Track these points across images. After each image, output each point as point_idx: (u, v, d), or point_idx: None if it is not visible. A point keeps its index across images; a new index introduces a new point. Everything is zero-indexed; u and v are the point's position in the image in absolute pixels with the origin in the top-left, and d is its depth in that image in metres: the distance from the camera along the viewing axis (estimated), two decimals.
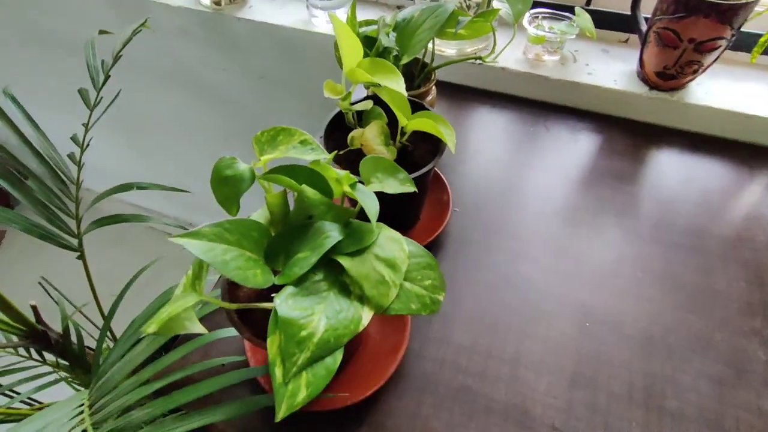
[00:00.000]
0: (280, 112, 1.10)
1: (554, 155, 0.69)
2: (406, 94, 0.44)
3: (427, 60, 0.60)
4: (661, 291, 0.53)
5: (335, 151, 0.44)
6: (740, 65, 0.75)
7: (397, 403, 0.45)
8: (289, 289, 0.31)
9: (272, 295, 0.31)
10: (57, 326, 0.62)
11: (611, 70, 0.75)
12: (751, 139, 0.70)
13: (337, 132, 0.52)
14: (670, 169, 0.67)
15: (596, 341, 0.49)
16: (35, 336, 0.57)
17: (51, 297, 0.72)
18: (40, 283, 0.77)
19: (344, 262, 0.31)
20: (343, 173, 0.35)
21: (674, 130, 0.72)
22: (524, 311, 0.51)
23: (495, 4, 0.55)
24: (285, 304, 0.30)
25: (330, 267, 0.33)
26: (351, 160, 0.51)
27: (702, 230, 0.59)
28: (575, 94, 0.74)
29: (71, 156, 0.69)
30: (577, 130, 0.73)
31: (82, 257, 0.67)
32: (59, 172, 0.67)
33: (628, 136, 0.72)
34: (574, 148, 0.70)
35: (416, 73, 0.61)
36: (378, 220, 0.59)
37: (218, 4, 0.88)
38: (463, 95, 0.79)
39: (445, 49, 0.78)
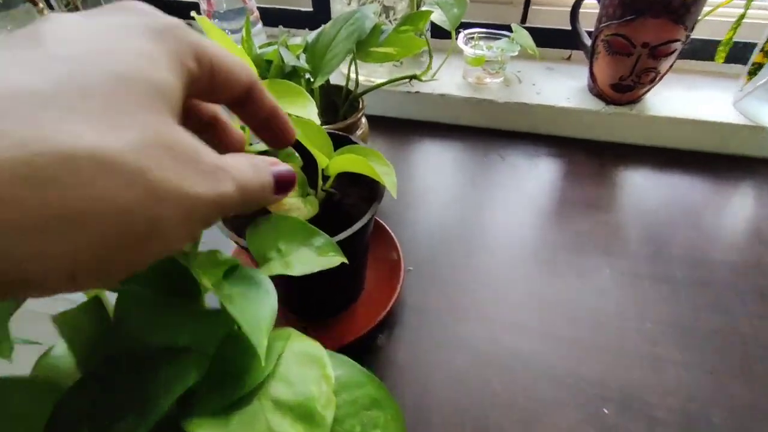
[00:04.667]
0: None
1: (515, 187, 0.58)
2: (318, 120, 0.31)
3: (352, 87, 0.48)
4: (679, 347, 0.41)
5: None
6: (693, 73, 0.70)
7: None
8: None
9: None
10: None
11: (561, 88, 0.67)
12: (727, 149, 0.63)
13: None
14: (647, 191, 0.58)
15: None
16: None
17: None
18: None
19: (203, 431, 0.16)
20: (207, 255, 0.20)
21: (641, 147, 0.64)
22: (518, 403, 0.37)
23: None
24: None
25: None
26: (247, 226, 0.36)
27: (702, 258, 0.49)
28: (527, 118, 0.65)
29: None
30: (535, 156, 0.63)
31: None
32: None
33: (593, 157, 0.63)
34: (536, 176, 0.60)
35: (340, 103, 0.49)
36: (301, 304, 0.44)
37: None
38: (401, 129, 0.68)
39: (375, 78, 0.67)
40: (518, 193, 0.58)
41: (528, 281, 0.47)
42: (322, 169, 0.36)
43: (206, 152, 0.15)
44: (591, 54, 0.62)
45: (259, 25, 0.70)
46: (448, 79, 0.69)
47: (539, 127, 0.66)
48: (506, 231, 0.53)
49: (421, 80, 0.44)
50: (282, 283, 0.29)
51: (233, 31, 0.66)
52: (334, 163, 0.35)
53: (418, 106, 0.68)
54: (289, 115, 0.31)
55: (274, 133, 0.21)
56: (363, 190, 0.39)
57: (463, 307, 0.45)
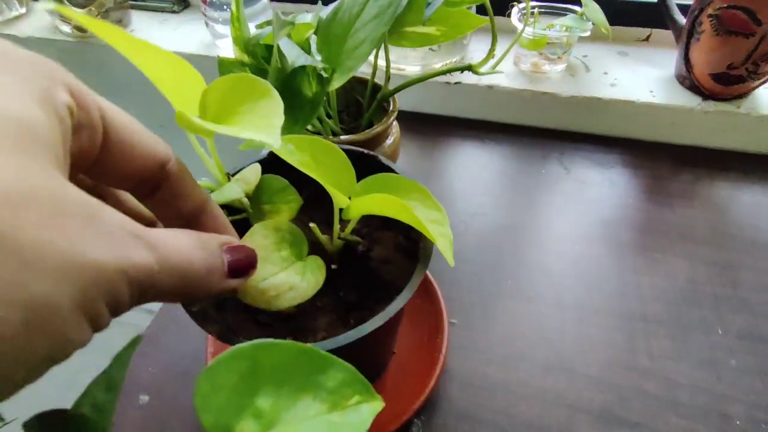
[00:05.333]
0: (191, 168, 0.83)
1: (583, 208, 0.46)
2: (277, 143, 0.19)
3: (380, 80, 0.36)
4: None
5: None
6: None
7: None
8: None
9: None
10: None
11: (641, 77, 0.53)
12: None
13: None
14: (761, 214, 0.45)
15: None
16: None
17: None
18: None
19: None
20: None
21: (748, 155, 0.50)
22: None
23: None
24: None
25: None
26: (229, 312, 0.25)
27: None
28: (598, 116, 0.52)
29: None
30: (608, 165, 0.50)
31: None
32: None
33: (684, 168, 0.49)
34: (610, 193, 0.47)
35: (365, 103, 0.37)
36: None
37: (82, 30, 0.63)
38: (438, 129, 0.55)
39: (404, 65, 0.55)
40: (586, 216, 0.45)
41: (609, 346, 0.35)
42: (340, 210, 0.24)
43: (110, 213, 0.12)
44: (688, 34, 0.48)
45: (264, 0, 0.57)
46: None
47: (613, 129, 0.52)
48: (574, 271, 0.40)
49: (478, 73, 0.32)
50: None
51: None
52: (358, 204, 0.23)
53: (460, 100, 0.55)
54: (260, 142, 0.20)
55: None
56: (400, 236, 0.27)
57: (524, 380, 0.33)
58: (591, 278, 0.40)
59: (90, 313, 0.11)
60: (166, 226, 0.17)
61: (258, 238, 0.22)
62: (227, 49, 0.60)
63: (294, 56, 0.25)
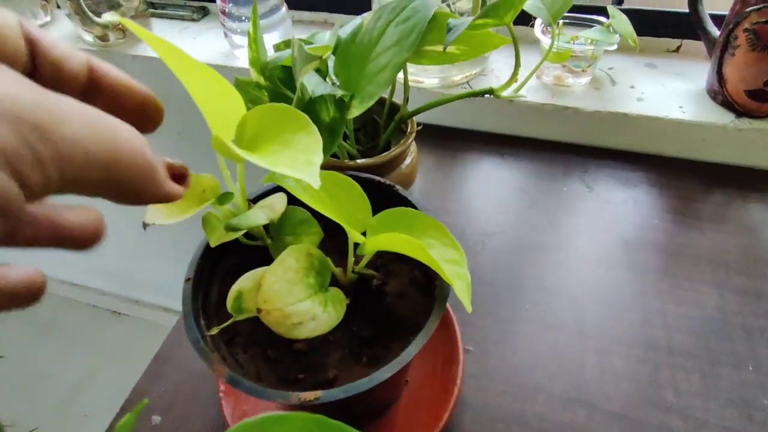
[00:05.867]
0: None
1: (606, 229, 0.44)
2: (316, 183, 0.18)
3: (397, 98, 0.35)
4: None
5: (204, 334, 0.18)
6: None
7: None
8: None
9: None
10: None
11: (670, 92, 0.51)
12: None
13: (222, 267, 0.26)
14: None
15: None
16: None
17: None
18: None
19: None
20: None
21: None
22: None
23: None
24: None
25: None
26: (239, 346, 0.24)
27: None
28: (624, 132, 0.50)
29: None
30: (633, 184, 0.48)
31: None
32: None
33: (714, 188, 0.47)
34: (635, 213, 0.45)
35: (382, 123, 0.36)
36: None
37: (104, 39, 0.63)
38: (455, 142, 0.54)
39: (422, 78, 0.54)
40: (609, 238, 0.43)
41: (632, 380, 0.34)
42: (355, 244, 0.24)
43: None
44: (722, 48, 0.45)
45: (283, 9, 0.57)
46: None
47: (639, 144, 0.50)
48: (595, 296, 0.39)
49: (499, 96, 0.30)
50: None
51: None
52: (373, 242, 0.23)
53: (479, 112, 0.54)
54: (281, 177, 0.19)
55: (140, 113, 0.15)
56: (416, 270, 0.27)
57: (541, 414, 0.32)
58: (613, 305, 0.38)
59: None
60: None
61: (290, 261, 0.22)
62: (246, 59, 0.59)
63: (313, 85, 0.25)
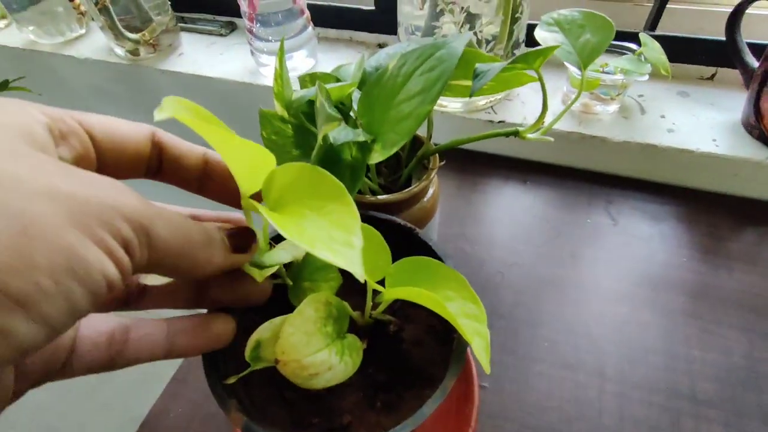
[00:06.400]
0: None
1: (631, 266, 0.43)
2: (361, 274, 0.18)
3: (421, 131, 0.35)
4: None
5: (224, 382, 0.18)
6: None
7: None
8: None
9: None
10: None
11: (703, 122, 0.49)
12: None
13: (243, 320, 0.26)
14: None
15: None
16: None
17: None
18: None
19: None
20: None
21: None
22: None
23: (538, 36, 0.31)
24: None
25: None
26: (256, 387, 0.25)
27: None
28: (653, 164, 0.48)
29: None
30: (659, 218, 0.47)
31: None
32: None
33: (747, 225, 0.46)
34: (661, 251, 0.44)
35: (404, 157, 0.36)
36: None
37: (135, 54, 0.65)
38: (477, 167, 0.54)
39: (446, 102, 0.53)
40: (634, 275, 0.42)
41: (652, 429, 0.33)
42: (373, 291, 0.24)
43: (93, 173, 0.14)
44: (761, 81, 0.44)
45: (309, 29, 0.57)
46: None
47: (667, 176, 0.49)
48: (617, 337, 0.38)
49: (525, 138, 0.30)
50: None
51: (276, 39, 0.54)
52: (392, 293, 0.22)
53: (502, 137, 0.53)
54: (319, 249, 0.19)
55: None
56: (433, 317, 0.26)
57: None
58: (635, 347, 0.37)
59: (94, 238, 0.12)
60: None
61: (309, 311, 0.22)
62: (271, 78, 0.60)
63: (336, 132, 0.25)
